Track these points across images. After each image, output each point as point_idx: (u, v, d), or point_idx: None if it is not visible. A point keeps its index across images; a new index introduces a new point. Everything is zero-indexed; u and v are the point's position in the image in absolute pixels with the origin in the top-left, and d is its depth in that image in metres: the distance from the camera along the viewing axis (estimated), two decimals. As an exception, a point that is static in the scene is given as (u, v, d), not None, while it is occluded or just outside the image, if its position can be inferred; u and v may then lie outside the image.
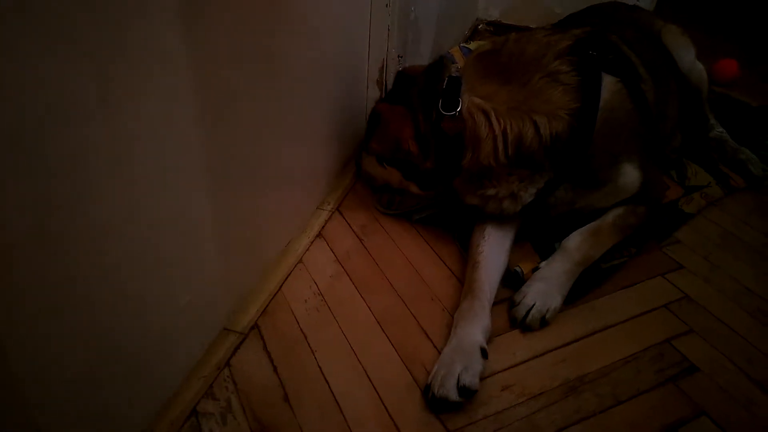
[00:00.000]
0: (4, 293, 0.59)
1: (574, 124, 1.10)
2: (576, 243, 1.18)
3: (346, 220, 1.39)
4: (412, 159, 1.20)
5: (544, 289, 1.12)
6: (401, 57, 1.49)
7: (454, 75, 1.16)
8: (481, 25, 2.54)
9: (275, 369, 1.03)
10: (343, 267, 1.25)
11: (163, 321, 0.88)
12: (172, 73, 0.76)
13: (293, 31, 1.07)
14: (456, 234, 1.32)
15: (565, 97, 1.10)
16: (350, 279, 1.22)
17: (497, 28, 2.51)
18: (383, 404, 0.97)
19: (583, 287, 1.18)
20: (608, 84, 1.14)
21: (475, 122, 1.11)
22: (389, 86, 1.50)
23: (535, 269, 1.18)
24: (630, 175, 1.20)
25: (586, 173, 1.17)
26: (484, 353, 1.00)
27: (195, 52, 0.79)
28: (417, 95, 1.18)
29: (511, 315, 1.12)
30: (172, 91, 0.77)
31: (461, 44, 2.07)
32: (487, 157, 1.12)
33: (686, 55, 1.57)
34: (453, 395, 0.94)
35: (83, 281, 0.69)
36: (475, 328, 1.03)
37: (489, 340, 1.06)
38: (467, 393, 0.95)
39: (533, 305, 1.09)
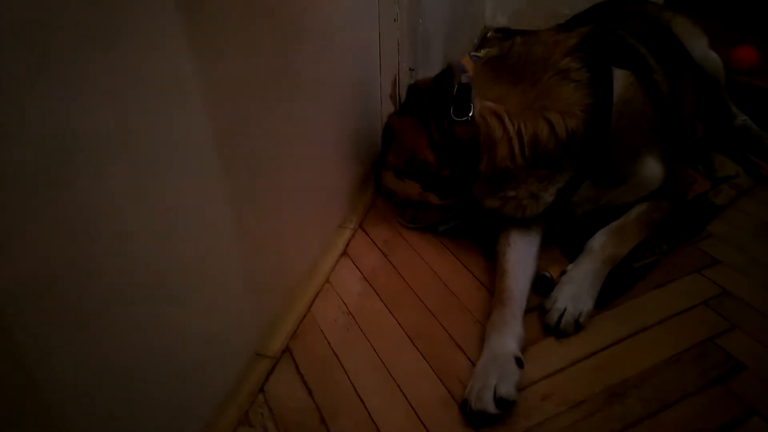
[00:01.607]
0: (41, 322, 0.59)
1: (590, 119, 1.09)
2: (601, 242, 1.16)
3: (370, 237, 1.38)
4: (429, 168, 1.20)
5: (574, 292, 1.09)
6: (413, 70, 1.49)
7: (463, 82, 1.16)
8: (489, 33, 2.53)
9: (310, 392, 1.02)
10: (370, 284, 1.24)
11: (196, 350, 0.87)
12: (190, 102, 0.77)
13: (306, 52, 1.08)
14: (482, 243, 1.31)
15: (577, 93, 1.09)
16: (378, 296, 1.21)
17: (506, 34, 2.49)
18: (421, 421, 0.96)
19: (616, 289, 1.15)
20: (620, 77, 1.14)
21: (488, 125, 1.11)
22: (403, 100, 1.50)
23: (564, 273, 1.15)
24: (652, 168, 1.18)
25: (608, 169, 1.16)
26: (519, 363, 0.98)
27: (213, 78, 0.79)
28: (427, 105, 1.18)
29: (543, 322, 1.10)
30: (191, 119, 0.78)
31: (471, 53, 2.07)
32: (504, 160, 1.11)
33: (698, 45, 1.54)
34: (491, 408, 0.92)
35: (115, 315, 0.69)
36: (508, 337, 1.01)
37: (523, 349, 1.03)
38: (505, 405, 0.93)
39: (565, 310, 1.07)
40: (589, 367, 1.02)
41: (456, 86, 1.14)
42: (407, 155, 1.21)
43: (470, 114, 1.10)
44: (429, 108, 1.18)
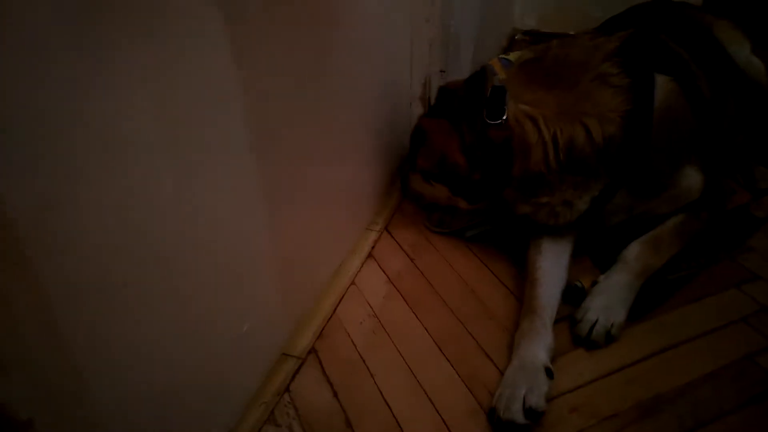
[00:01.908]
0: (82, 328, 0.60)
1: (628, 126, 1.06)
2: (635, 253, 1.13)
3: (396, 240, 1.37)
4: (459, 172, 1.17)
5: (606, 303, 1.07)
6: (443, 72, 1.48)
7: (497, 84, 1.14)
8: (518, 35, 2.50)
9: (335, 394, 1.01)
10: (396, 287, 1.23)
11: (226, 349, 0.88)
12: (228, 102, 0.77)
13: (339, 53, 1.08)
14: (511, 250, 1.29)
15: (615, 99, 1.07)
16: (404, 299, 1.20)
17: (534, 37, 2.46)
18: (447, 428, 0.94)
19: (651, 301, 1.12)
20: (662, 83, 1.11)
21: (523, 129, 1.08)
22: (433, 102, 1.49)
23: (595, 283, 1.13)
24: (692, 178, 1.15)
25: (645, 178, 1.13)
26: (549, 373, 0.96)
27: (251, 80, 0.80)
28: (459, 107, 1.16)
29: (573, 332, 1.07)
30: (228, 120, 0.78)
31: (500, 56, 2.04)
32: (538, 164, 1.09)
33: (741, 50, 1.49)
34: (519, 418, 0.90)
35: (151, 313, 0.70)
36: (537, 347, 0.99)
37: (553, 360, 1.01)
38: (534, 415, 0.91)
39: (596, 321, 1.04)
40: (620, 381, 1.00)
41: (490, 89, 1.13)
42: (437, 158, 1.19)
43: (504, 117, 1.08)
44: (461, 110, 1.16)
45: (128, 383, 0.68)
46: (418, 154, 1.26)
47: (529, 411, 0.90)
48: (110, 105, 0.58)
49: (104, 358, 0.63)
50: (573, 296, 1.13)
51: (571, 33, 1.45)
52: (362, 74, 1.21)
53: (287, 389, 1.02)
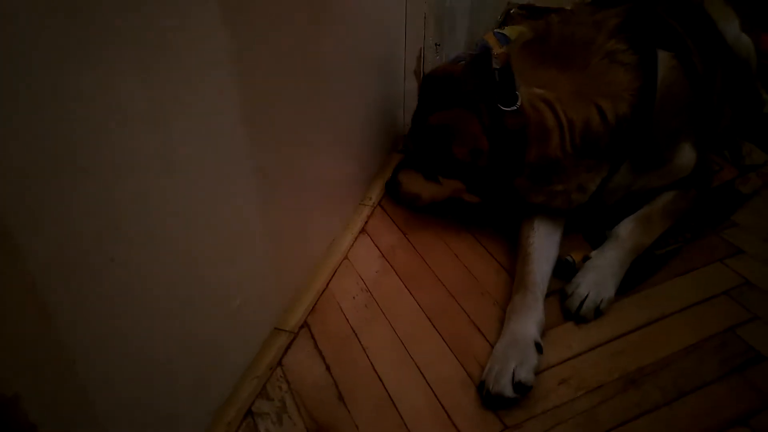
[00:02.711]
0: (68, 303, 0.59)
1: (637, 104, 1.06)
2: (627, 230, 1.14)
3: (389, 215, 1.38)
4: (479, 160, 1.11)
5: (597, 278, 1.09)
6: (438, 45, 1.46)
7: (500, 67, 1.10)
8: (513, 10, 2.46)
9: (327, 368, 1.03)
10: (388, 262, 1.24)
11: (218, 324, 0.88)
12: (217, 74, 0.76)
13: (332, 27, 1.06)
14: (502, 226, 1.29)
15: (626, 76, 1.06)
16: (397, 274, 1.21)
17: (529, 11, 2.43)
18: (438, 401, 0.96)
19: (638, 276, 1.14)
20: (663, 59, 1.10)
21: (540, 114, 1.05)
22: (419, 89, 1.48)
23: (586, 258, 1.14)
24: (687, 154, 1.17)
25: (648, 154, 1.13)
26: (539, 348, 0.98)
27: (238, 51, 0.78)
28: (474, 92, 1.09)
29: (564, 306, 1.09)
30: (218, 92, 0.77)
31: (495, 30, 2.02)
32: (555, 150, 1.07)
33: (730, 27, 1.49)
34: (508, 391, 0.92)
35: (140, 288, 0.70)
36: (528, 321, 1.01)
37: (543, 334, 1.03)
38: (523, 389, 0.93)
39: (586, 296, 1.06)
40: (607, 353, 1.02)
41: (496, 72, 1.09)
42: (471, 147, 1.09)
43: (519, 103, 1.04)
44: (476, 97, 1.08)
45: (117, 358, 0.68)
46: (453, 145, 1.12)
47: (518, 385, 0.93)
48: (95, 75, 0.57)
49: (92, 334, 0.63)
50: (564, 271, 1.15)
51: (567, 7, 1.42)
52: (356, 46, 1.19)
53: (279, 363, 1.04)
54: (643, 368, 0.99)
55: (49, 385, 0.59)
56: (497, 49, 1.92)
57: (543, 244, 1.15)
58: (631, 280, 1.13)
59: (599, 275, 1.09)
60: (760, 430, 0.89)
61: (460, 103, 1.10)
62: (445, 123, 1.12)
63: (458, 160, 1.12)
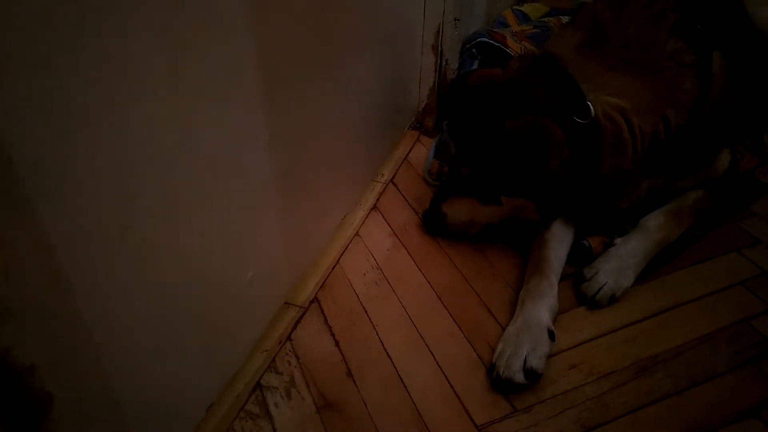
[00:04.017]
0: (84, 272, 0.59)
1: (693, 110, 1.01)
2: (657, 223, 1.12)
3: (401, 193, 1.36)
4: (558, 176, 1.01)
5: (619, 267, 1.07)
6: (458, 20, 1.43)
7: (562, 71, 0.99)
8: (532, -15, 2.41)
9: (337, 343, 1.02)
10: (400, 240, 1.23)
11: (230, 296, 0.88)
12: (235, 44, 0.74)
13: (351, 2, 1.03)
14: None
15: (693, 82, 1.01)
16: (408, 253, 1.20)
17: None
18: (447, 381, 0.96)
19: (654, 263, 1.12)
20: (715, 60, 1.04)
21: (616, 125, 0.97)
22: (445, 52, 1.44)
23: (609, 245, 1.12)
24: (724, 159, 1.15)
25: (691, 160, 1.11)
26: (551, 335, 0.97)
27: (258, 15, 0.76)
28: (548, 101, 0.97)
29: (579, 290, 1.08)
30: (235, 62, 0.75)
31: (513, 7, 1.98)
32: (628, 162, 1.00)
33: (761, 11, 1.45)
34: (519, 377, 0.92)
35: (155, 261, 0.69)
36: (542, 307, 1.00)
37: (555, 320, 1.02)
38: (533, 375, 0.92)
39: (605, 283, 1.05)
40: (619, 339, 1.01)
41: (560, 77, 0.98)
42: (563, 156, 0.98)
43: (593, 113, 0.96)
44: (554, 103, 0.97)
45: (131, 328, 0.68)
46: (548, 157, 0.98)
47: (529, 371, 0.92)
48: (109, 38, 0.55)
49: (107, 305, 0.63)
50: (579, 256, 1.13)
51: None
52: (373, 19, 1.16)
53: (289, 338, 1.03)
54: (656, 356, 0.98)
55: (65, 355, 0.59)
56: (516, 27, 1.88)
57: (560, 230, 1.13)
58: (647, 267, 1.11)
59: (621, 264, 1.08)
60: (771, 423, 0.88)
61: (537, 110, 0.96)
62: (535, 132, 0.96)
63: (549, 173, 0.99)
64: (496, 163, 1.02)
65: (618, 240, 1.11)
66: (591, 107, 0.96)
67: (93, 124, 0.55)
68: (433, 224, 1.20)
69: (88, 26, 0.52)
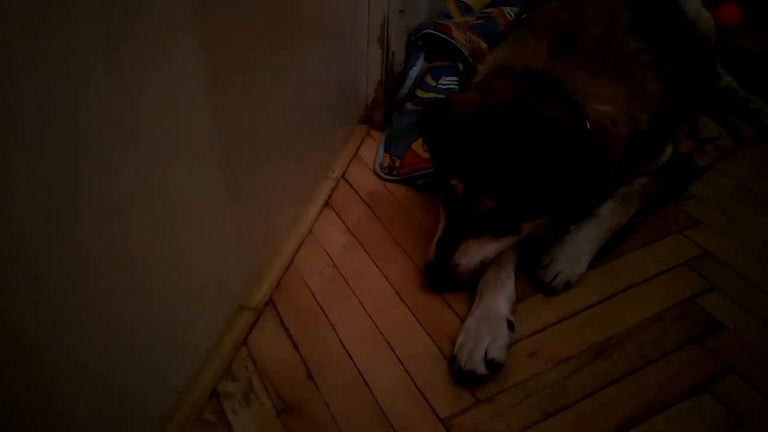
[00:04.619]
0: (18, 279, 0.54)
1: (656, 110, 1.05)
2: (609, 210, 1.15)
3: (353, 188, 1.34)
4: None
5: (573, 253, 1.09)
6: (402, 12, 1.42)
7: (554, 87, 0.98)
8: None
9: (295, 345, 1.00)
10: (354, 237, 1.21)
11: (179, 305, 0.84)
12: (177, 39, 0.70)
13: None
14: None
15: (655, 82, 1.04)
16: (363, 249, 1.18)
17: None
18: (410, 376, 0.95)
19: (604, 248, 1.15)
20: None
21: (608, 133, 0.99)
22: (391, 45, 1.43)
23: (564, 232, 1.14)
24: (668, 152, 1.18)
25: (641, 158, 1.14)
26: (510, 325, 0.98)
27: (199, 14, 0.72)
28: (567, 113, 0.97)
29: (536, 277, 1.09)
30: (178, 56, 0.71)
31: (456, -2, 1.99)
32: (613, 167, 1.02)
33: (692, 3, 1.50)
34: (480, 369, 0.92)
35: (93, 269, 0.64)
36: (501, 298, 1.00)
37: (513, 309, 1.03)
38: (494, 366, 0.93)
39: (561, 270, 1.07)
40: (575, 325, 1.03)
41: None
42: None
43: (588, 126, 0.96)
44: (574, 115, 0.97)
45: (74, 341, 0.63)
46: (610, 166, 0.98)
47: (490, 363, 0.92)
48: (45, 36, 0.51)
49: (46, 317, 0.59)
50: (535, 244, 1.14)
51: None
52: (319, 11, 1.13)
53: (245, 342, 1.00)
54: (610, 338, 1.01)
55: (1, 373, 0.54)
56: (458, 18, 1.89)
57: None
58: (598, 252, 1.14)
59: (576, 250, 1.10)
60: (719, 396, 0.92)
61: (562, 126, 0.94)
62: (588, 146, 0.94)
63: (604, 182, 0.99)
64: (542, 186, 0.93)
65: (573, 227, 1.13)
66: (586, 120, 0.97)
67: (27, 129, 0.51)
68: (443, 280, 1.04)
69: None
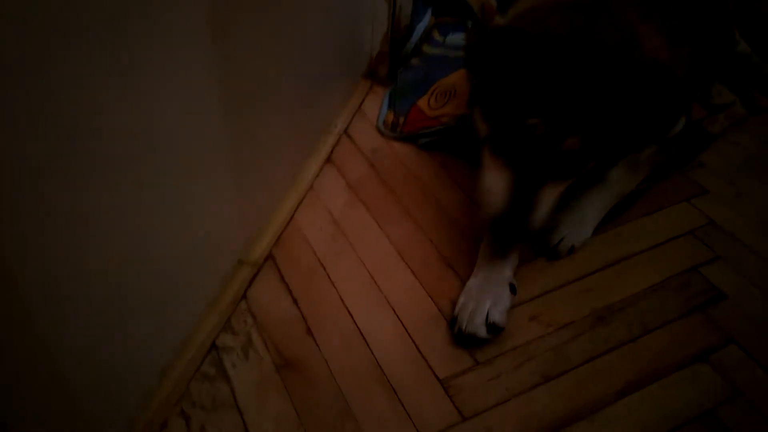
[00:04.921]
0: (18, 229, 0.52)
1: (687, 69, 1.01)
2: (618, 175, 1.12)
3: (356, 144, 1.31)
4: None
5: (579, 218, 1.07)
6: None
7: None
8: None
9: (295, 301, 0.99)
10: (356, 194, 1.19)
11: (181, 256, 0.82)
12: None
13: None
14: (472, 159, 1.25)
15: (684, 41, 1.00)
16: (365, 206, 1.16)
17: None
18: (409, 335, 0.95)
19: (609, 214, 1.14)
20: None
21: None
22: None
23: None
24: (681, 123, 1.13)
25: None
26: (513, 289, 0.97)
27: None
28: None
29: (540, 240, 1.07)
30: (180, 12, 0.67)
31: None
32: None
33: None
34: (482, 332, 0.91)
35: (97, 217, 0.63)
36: (503, 261, 0.99)
37: (515, 272, 1.02)
38: (495, 330, 0.92)
39: (566, 234, 1.05)
40: (577, 290, 1.02)
41: None
42: None
43: None
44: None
45: (72, 293, 0.62)
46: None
47: (491, 326, 0.91)
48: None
49: (44, 267, 0.57)
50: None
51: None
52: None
53: (244, 296, 0.99)
54: (611, 305, 1.00)
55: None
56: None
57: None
58: (603, 218, 1.12)
59: (582, 215, 1.08)
60: (718, 366, 0.92)
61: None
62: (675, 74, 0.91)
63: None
64: (631, 119, 0.87)
65: (580, 192, 1.11)
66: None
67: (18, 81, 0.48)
68: (518, 234, 0.93)
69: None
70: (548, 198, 0.91)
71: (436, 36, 1.54)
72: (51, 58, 0.51)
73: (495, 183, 0.91)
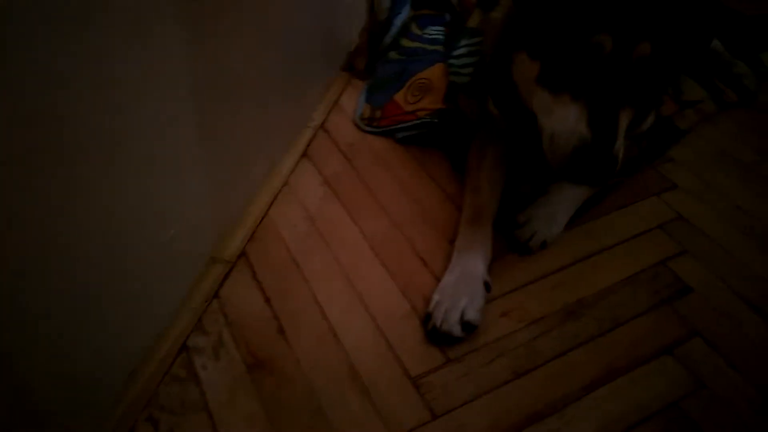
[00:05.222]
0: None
1: None
2: None
3: (332, 139, 1.30)
4: None
5: (551, 213, 1.08)
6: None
7: None
8: None
9: (267, 299, 0.98)
10: (332, 189, 1.18)
11: (150, 257, 0.81)
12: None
13: None
14: (448, 154, 1.26)
15: None
16: (340, 202, 1.16)
17: None
18: (382, 333, 0.95)
19: (580, 209, 1.15)
20: None
21: None
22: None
23: (544, 192, 1.12)
24: (650, 120, 1.14)
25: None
26: (487, 287, 0.97)
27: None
28: None
29: (512, 236, 1.08)
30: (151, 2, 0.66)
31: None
32: None
33: None
34: (456, 331, 0.92)
35: (62, 214, 0.61)
36: (478, 259, 0.99)
37: (489, 268, 1.02)
38: (470, 328, 0.93)
39: (538, 230, 1.06)
40: (548, 285, 1.04)
41: None
42: None
43: None
44: None
45: (38, 289, 0.61)
46: None
47: (466, 324, 0.92)
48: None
49: (14, 268, 0.56)
50: (515, 202, 1.13)
51: None
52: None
53: (216, 295, 0.98)
54: (582, 300, 1.01)
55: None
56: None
57: (493, 176, 1.12)
58: (575, 213, 1.14)
59: (553, 210, 1.09)
60: (683, 359, 0.94)
61: None
62: None
63: None
64: (695, 25, 0.88)
65: (551, 187, 1.12)
66: None
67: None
68: (607, 168, 0.87)
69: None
70: (624, 126, 0.87)
71: (415, 29, 1.54)
72: (14, 45, 0.49)
73: (565, 121, 0.85)
